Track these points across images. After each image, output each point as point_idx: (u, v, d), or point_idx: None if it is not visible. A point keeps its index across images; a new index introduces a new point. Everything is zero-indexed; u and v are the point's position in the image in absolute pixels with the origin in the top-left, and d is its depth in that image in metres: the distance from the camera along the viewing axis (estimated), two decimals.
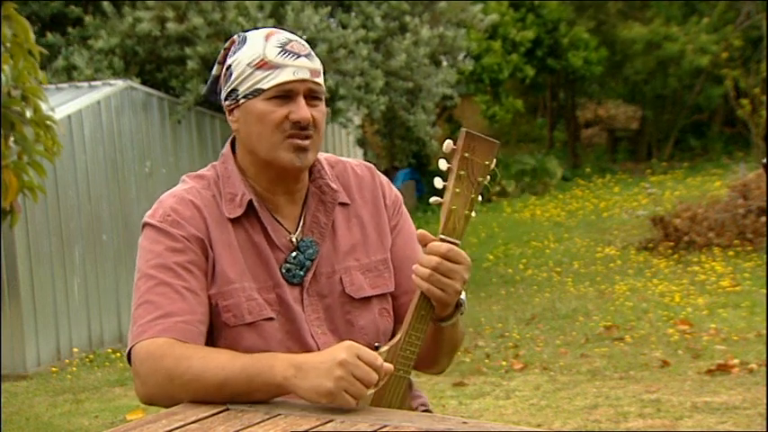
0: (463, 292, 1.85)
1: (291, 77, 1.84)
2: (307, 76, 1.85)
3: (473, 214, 1.84)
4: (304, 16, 9.46)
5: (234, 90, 1.88)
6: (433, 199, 1.86)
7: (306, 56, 1.87)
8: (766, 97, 15.39)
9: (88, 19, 9.95)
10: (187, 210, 1.88)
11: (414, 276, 1.82)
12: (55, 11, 10.54)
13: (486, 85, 17.09)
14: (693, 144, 19.24)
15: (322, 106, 1.90)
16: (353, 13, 10.37)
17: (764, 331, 6.64)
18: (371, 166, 2.08)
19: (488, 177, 1.84)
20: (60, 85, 8.92)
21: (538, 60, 17.67)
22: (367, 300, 1.95)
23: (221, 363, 1.71)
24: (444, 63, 11.69)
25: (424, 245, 1.82)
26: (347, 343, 1.67)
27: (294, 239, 1.92)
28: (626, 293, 8.81)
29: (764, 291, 7.91)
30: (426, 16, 10.84)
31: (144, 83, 9.60)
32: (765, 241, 9.77)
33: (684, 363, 6.19)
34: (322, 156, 2.00)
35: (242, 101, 1.87)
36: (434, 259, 1.80)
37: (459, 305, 1.88)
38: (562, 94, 20.21)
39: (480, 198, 1.84)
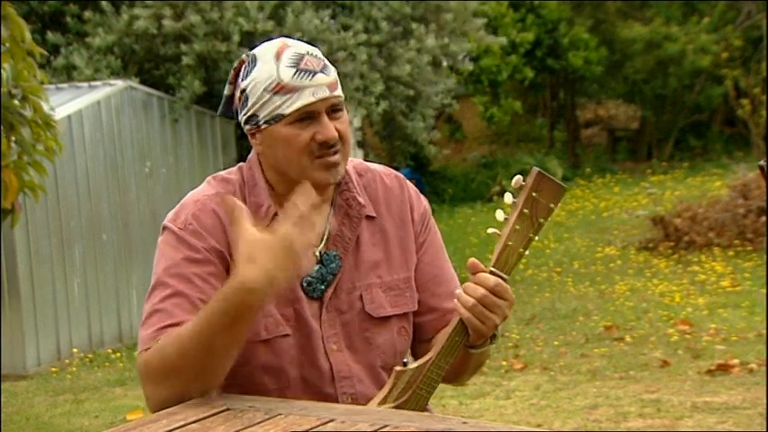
0: (500, 326, 1.84)
1: (311, 99, 1.79)
2: (326, 93, 1.81)
3: (526, 253, 1.83)
4: (304, 18, 9.46)
5: (254, 115, 1.83)
6: (491, 230, 1.83)
7: (321, 70, 1.82)
8: (766, 97, 15.39)
9: (87, 14, 9.96)
10: (209, 219, 1.84)
11: (456, 302, 1.80)
12: (53, 9, 10.55)
13: (485, 85, 17.09)
14: (693, 144, 19.25)
15: (344, 116, 1.86)
16: (355, 16, 10.36)
17: (764, 331, 6.64)
18: (401, 176, 2.03)
19: (549, 219, 1.82)
20: (60, 85, 8.92)
21: (537, 60, 17.68)
22: (386, 319, 1.92)
23: (191, 331, 1.67)
24: (444, 64, 11.70)
25: (474, 273, 1.80)
26: (277, 244, 1.60)
27: (317, 253, 1.88)
28: (626, 293, 8.81)
29: (764, 291, 7.90)
30: (433, 26, 10.82)
31: (143, 82, 9.60)
32: (765, 241, 9.77)
33: (684, 363, 6.19)
34: (350, 163, 1.95)
35: (264, 126, 1.83)
36: (481, 291, 1.78)
37: (492, 336, 1.86)
38: (562, 94, 20.22)
39: (536, 238, 1.83)
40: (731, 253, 9.94)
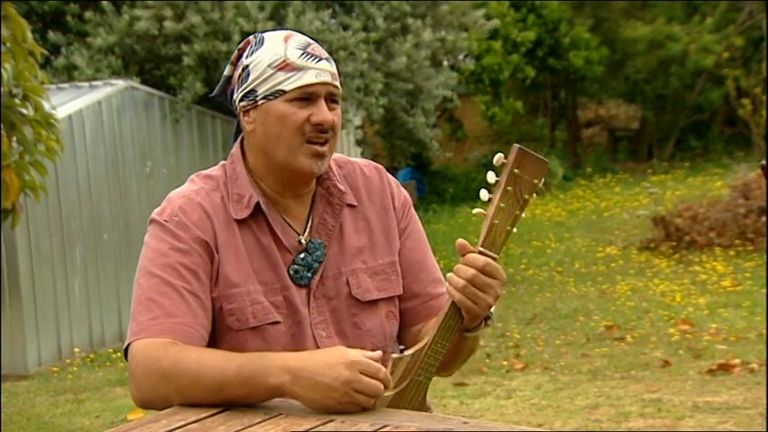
0: (493, 307, 1.84)
1: (314, 80, 1.83)
2: (328, 79, 1.85)
3: (514, 230, 1.82)
4: (305, 19, 9.47)
5: (252, 91, 1.86)
6: (476, 210, 1.84)
7: (326, 59, 1.87)
8: (767, 97, 15.38)
9: (88, 14, 9.97)
10: (194, 212, 1.86)
11: (447, 285, 1.80)
12: (54, 8, 10.56)
13: (487, 85, 17.08)
14: (694, 144, 19.23)
15: (339, 110, 1.90)
16: (355, 14, 10.37)
17: (765, 331, 6.64)
18: (380, 167, 2.06)
19: (534, 195, 1.82)
20: (61, 85, 8.92)
21: (539, 60, 17.67)
22: (374, 303, 1.94)
23: (216, 364, 1.69)
24: (445, 63, 11.69)
25: (463, 255, 1.81)
26: (350, 358, 1.63)
27: (302, 241, 1.91)
28: (627, 293, 8.81)
29: (765, 290, 7.91)
30: (429, 20, 10.83)
31: (144, 82, 9.61)
32: (766, 241, 9.77)
33: (685, 362, 6.19)
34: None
35: (261, 102, 1.85)
36: (471, 271, 1.78)
37: (486, 318, 1.86)
38: (563, 94, 20.21)
39: (523, 215, 1.82)
40: (732, 253, 9.94)
